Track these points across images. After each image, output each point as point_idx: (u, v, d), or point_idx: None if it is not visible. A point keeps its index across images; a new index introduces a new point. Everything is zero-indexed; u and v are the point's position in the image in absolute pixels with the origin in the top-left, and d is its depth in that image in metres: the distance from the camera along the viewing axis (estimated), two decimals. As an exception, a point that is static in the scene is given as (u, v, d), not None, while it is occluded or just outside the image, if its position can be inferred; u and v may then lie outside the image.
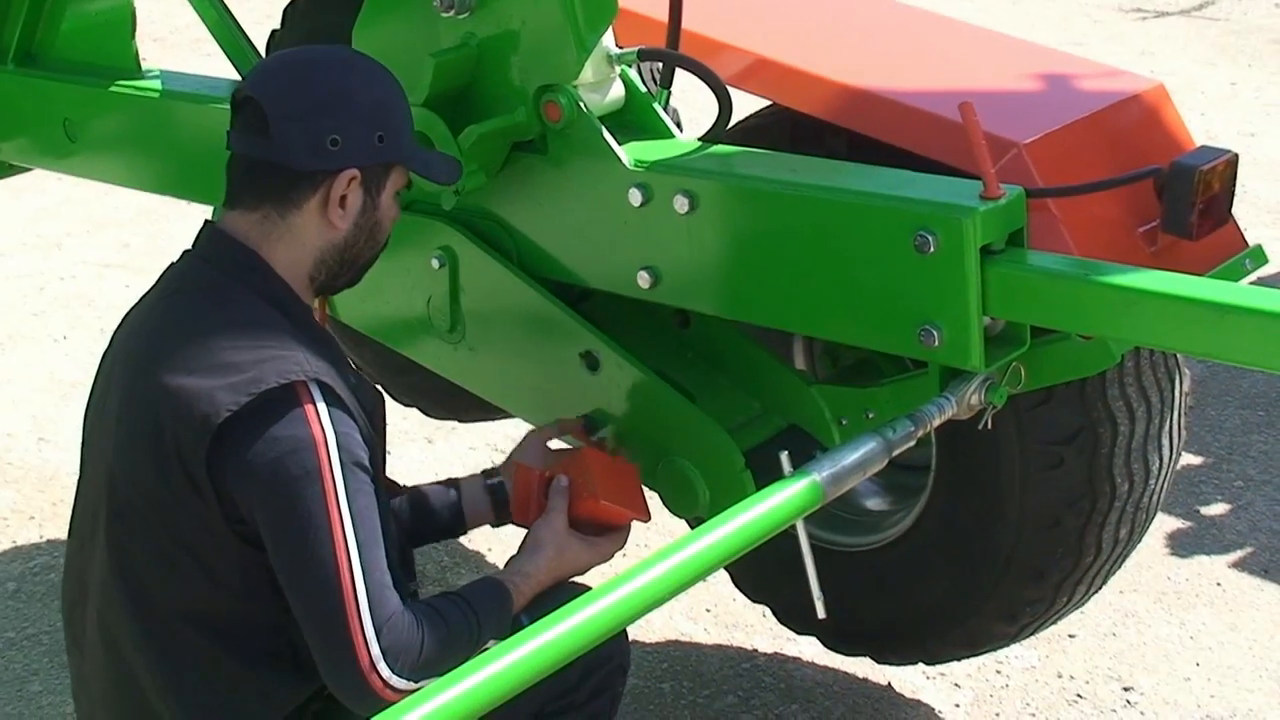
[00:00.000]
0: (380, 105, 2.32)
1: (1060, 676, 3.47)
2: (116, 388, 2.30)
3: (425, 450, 4.51)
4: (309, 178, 2.27)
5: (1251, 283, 2.40)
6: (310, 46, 2.46)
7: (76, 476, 2.45)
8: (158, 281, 2.40)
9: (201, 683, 2.26)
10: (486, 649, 2.09)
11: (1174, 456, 2.87)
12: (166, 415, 2.17)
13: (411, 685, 2.13)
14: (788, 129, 2.83)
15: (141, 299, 2.40)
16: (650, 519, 2.59)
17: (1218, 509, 4.11)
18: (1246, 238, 2.63)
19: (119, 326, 2.41)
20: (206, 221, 2.37)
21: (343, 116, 2.27)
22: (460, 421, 3.96)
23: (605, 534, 2.53)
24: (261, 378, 2.15)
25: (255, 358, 2.17)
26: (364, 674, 2.11)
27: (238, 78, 3.44)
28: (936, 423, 2.34)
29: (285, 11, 3.53)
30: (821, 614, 2.43)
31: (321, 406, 2.17)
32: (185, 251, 2.38)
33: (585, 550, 2.48)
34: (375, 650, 2.11)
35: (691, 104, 3.91)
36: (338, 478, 2.14)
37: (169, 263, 2.42)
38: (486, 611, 2.28)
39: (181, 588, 2.23)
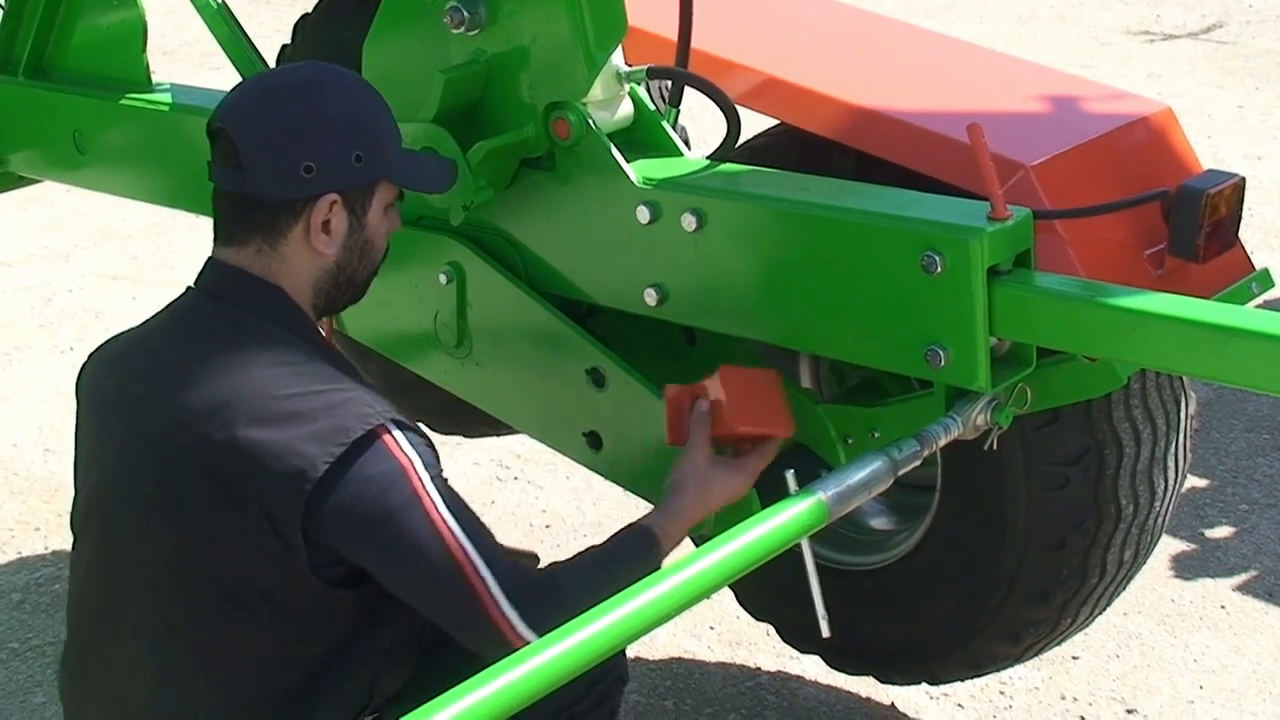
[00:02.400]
0: (355, 123, 2.28)
1: (1064, 698, 3.47)
2: (144, 438, 2.22)
3: (430, 465, 4.51)
4: (289, 207, 2.23)
5: (1258, 306, 2.40)
6: (280, 68, 2.43)
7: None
8: (168, 320, 2.34)
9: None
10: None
11: (1179, 479, 2.87)
12: (243, 470, 2.13)
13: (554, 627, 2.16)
14: (796, 148, 2.84)
15: (150, 335, 2.34)
16: (792, 432, 2.54)
17: (1222, 532, 4.11)
18: (1253, 261, 2.63)
19: (120, 358, 2.35)
20: (211, 258, 2.32)
21: (314, 141, 2.23)
22: (466, 437, 3.96)
23: (750, 451, 2.51)
24: (345, 426, 2.14)
25: (323, 403, 2.17)
26: (511, 647, 2.13)
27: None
28: (942, 443, 2.34)
29: (296, 26, 3.54)
30: (826, 633, 2.43)
31: (399, 435, 2.18)
32: (199, 289, 2.32)
33: (730, 477, 2.46)
34: (522, 628, 2.17)
35: (700, 122, 3.92)
36: (432, 493, 2.17)
37: (176, 302, 2.37)
38: (628, 560, 2.29)
39: (238, 633, 2.22)
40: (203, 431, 2.17)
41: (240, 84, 2.38)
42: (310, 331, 2.30)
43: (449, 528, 2.16)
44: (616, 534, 2.38)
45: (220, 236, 2.31)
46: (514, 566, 2.22)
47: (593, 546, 2.35)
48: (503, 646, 2.14)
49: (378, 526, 2.15)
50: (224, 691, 2.26)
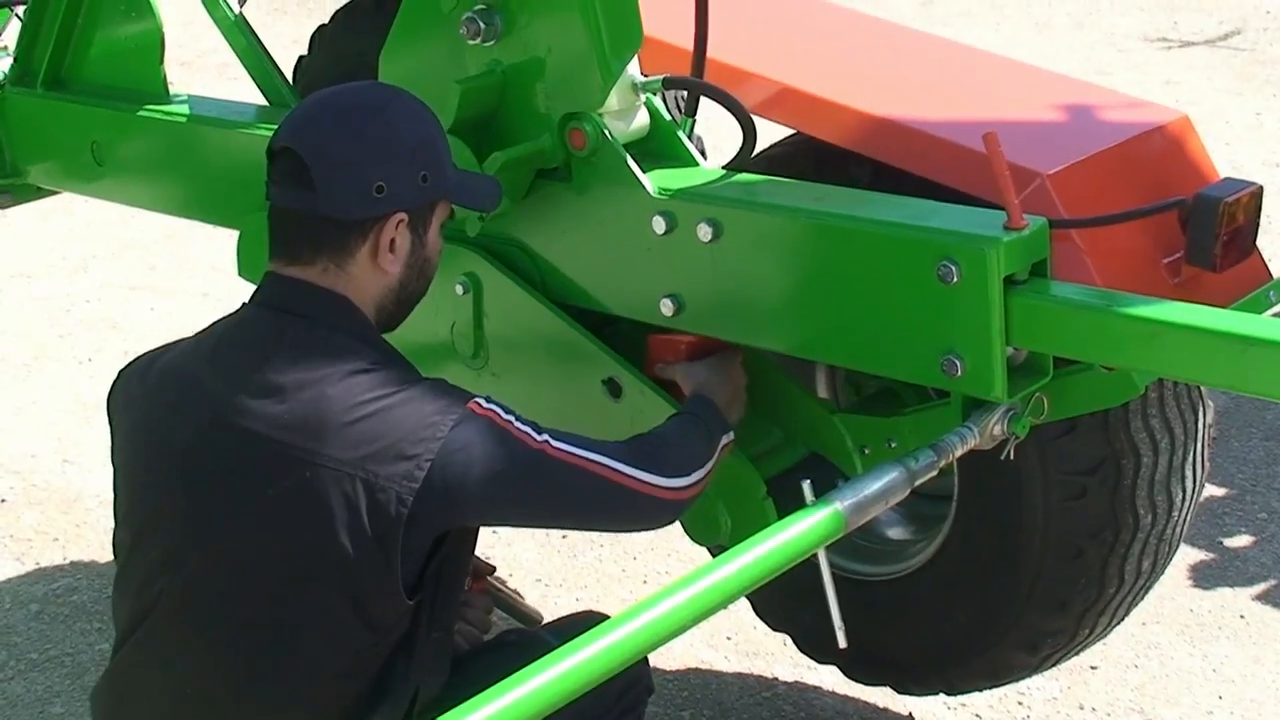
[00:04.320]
0: (421, 143, 2.31)
1: (1082, 708, 3.46)
2: (223, 451, 2.22)
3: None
4: (358, 227, 2.25)
5: (1276, 315, 2.39)
6: (344, 87, 2.42)
7: (113, 538, 2.40)
8: (231, 333, 2.32)
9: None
10: (725, 445, 2.48)
11: (1197, 488, 2.86)
12: (343, 485, 2.15)
13: (692, 478, 2.38)
14: (812, 158, 2.84)
15: (212, 348, 2.32)
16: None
17: (1241, 541, 4.09)
18: (1271, 270, 2.62)
19: (175, 372, 2.33)
20: (272, 274, 2.31)
21: (386, 162, 2.25)
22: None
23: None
24: (435, 421, 2.18)
25: (406, 400, 2.20)
26: (671, 503, 2.36)
27: (264, 102, 3.46)
28: (959, 453, 2.33)
29: (313, 37, 3.56)
30: (843, 643, 2.43)
31: (477, 400, 2.24)
32: (263, 303, 2.32)
33: (724, 360, 2.64)
34: (664, 481, 2.33)
35: (716, 132, 3.92)
36: (523, 427, 2.25)
37: (236, 316, 2.35)
38: (701, 414, 2.50)
39: (320, 642, 2.24)
40: (291, 443, 2.18)
41: (303, 106, 2.38)
42: (378, 340, 2.33)
43: (554, 446, 2.25)
44: (683, 408, 2.57)
45: (282, 255, 2.30)
46: (619, 444, 2.36)
47: (670, 415, 2.55)
48: (663, 506, 2.35)
49: (495, 480, 2.20)
50: (301, 702, 2.26)
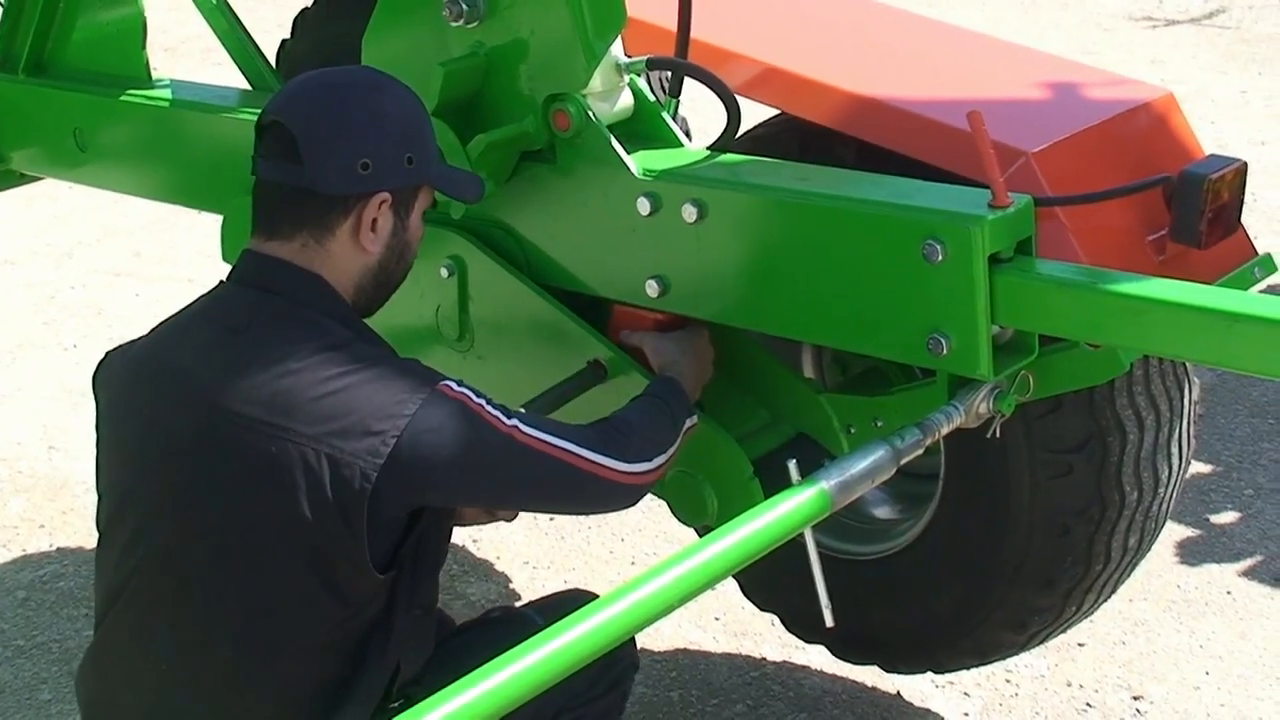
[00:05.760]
0: (409, 127, 2.33)
1: (1070, 685, 3.47)
2: (198, 429, 2.23)
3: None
4: (341, 203, 2.27)
5: (1260, 291, 2.40)
6: (334, 69, 2.44)
7: (96, 514, 2.40)
8: (208, 312, 2.35)
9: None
10: (689, 428, 2.51)
11: (1183, 465, 2.86)
12: (309, 459, 2.16)
13: (654, 463, 2.41)
14: (796, 138, 2.84)
15: (189, 328, 2.35)
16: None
17: (1227, 517, 4.11)
18: (1256, 246, 2.63)
19: (153, 353, 2.36)
20: (250, 251, 2.33)
21: (373, 140, 2.27)
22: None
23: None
24: (404, 398, 2.19)
25: (376, 377, 2.21)
26: (632, 488, 2.39)
27: (248, 87, 3.45)
28: (945, 431, 2.34)
29: (295, 20, 3.54)
30: (830, 622, 2.43)
31: (449, 383, 2.25)
32: (239, 281, 2.34)
33: (692, 335, 2.67)
34: (625, 467, 2.36)
35: (700, 113, 3.92)
36: (494, 412, 2.26)
37: (213, 294, 2.37)
38: (667, 395, 2.52)
39: (294, 616, 2.25)
40: (259, 418, 2.19)
41: (295, 82, 2.40)
42: (353, 318, 2.33)
43: (523, 431, 2.27)
44: (647, 388, 2.57)
45: (263, 229, 2.32)
46: (585, 429, 2.38)
47: (635, 398, 2.54)
48: (624, 491, 2.39)
49: (462, 462, 2.22)
50: (275, 676, 2.27)
